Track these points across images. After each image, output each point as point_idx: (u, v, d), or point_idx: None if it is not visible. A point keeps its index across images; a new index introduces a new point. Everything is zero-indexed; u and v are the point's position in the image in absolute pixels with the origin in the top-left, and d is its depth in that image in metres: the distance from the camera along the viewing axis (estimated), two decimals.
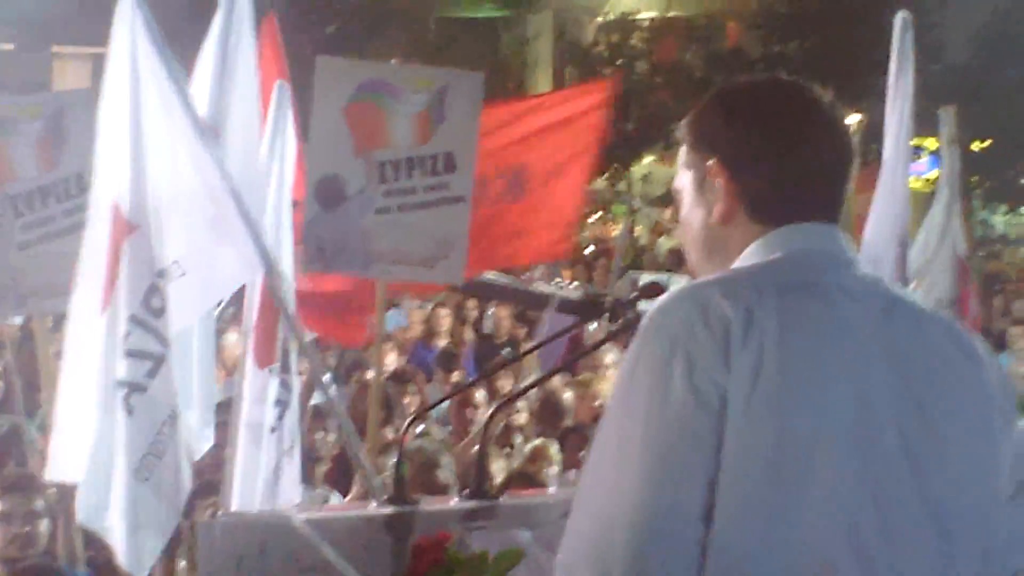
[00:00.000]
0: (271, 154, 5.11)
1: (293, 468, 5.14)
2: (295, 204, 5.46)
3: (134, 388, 4.29)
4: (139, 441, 4.32)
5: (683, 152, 2.45)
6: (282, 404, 5.11)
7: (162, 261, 4.48)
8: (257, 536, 2.84)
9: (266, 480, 4.98)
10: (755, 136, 2.31)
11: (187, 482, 4.52)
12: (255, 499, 4.91)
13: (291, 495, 5.12)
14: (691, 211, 2.39)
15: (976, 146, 20.41)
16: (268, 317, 4.93)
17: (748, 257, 2.30)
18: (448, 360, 9.28)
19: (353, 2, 20.74)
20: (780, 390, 2.08)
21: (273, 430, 5.02)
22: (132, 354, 4.32)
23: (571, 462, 6.27)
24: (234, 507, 4.91)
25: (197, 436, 5.14)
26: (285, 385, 5.08)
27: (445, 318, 10.58)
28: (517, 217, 7.09)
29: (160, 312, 4.37)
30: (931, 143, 13.58)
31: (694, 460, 2.08)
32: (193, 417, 5.13)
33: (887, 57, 5.59)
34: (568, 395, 7.44)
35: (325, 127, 5.46)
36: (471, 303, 11.57)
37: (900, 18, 5.66)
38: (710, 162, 2.28)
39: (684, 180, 2.40)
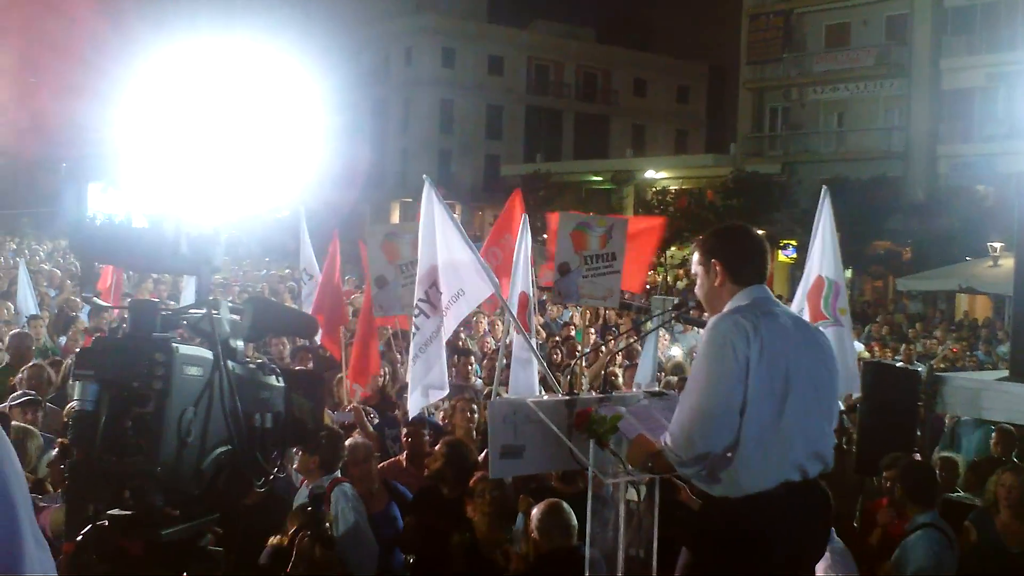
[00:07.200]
0: (518, 251, 10.32)
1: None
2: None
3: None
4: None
5: (696, 256, 4.57)
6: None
7: (453, 289, 8.76)
8: (512, 408, 5.35)
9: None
10: (734, 249, 4.47)
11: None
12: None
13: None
14: (703, 282, 4.50)
15: None
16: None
17: (734, 302, 4.35)
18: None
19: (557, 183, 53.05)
20: (769, 358, 4.11)
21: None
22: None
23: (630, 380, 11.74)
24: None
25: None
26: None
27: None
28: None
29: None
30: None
31: (736, 386, 4.09)
32: None
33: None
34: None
35: (564, 240, 11.66)
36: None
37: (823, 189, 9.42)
38: (714, 260, 4.43)
39: (699, 269, 4.53)
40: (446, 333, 8.75)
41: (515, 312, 9.43)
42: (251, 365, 2.70)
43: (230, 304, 2.79)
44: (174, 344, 2.43)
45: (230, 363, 2.58)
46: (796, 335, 4.29)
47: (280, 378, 2.78)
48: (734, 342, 4.10)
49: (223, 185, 2.78)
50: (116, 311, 12.37)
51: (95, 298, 2.84)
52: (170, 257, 2.52)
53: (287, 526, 6.12)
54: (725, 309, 4.33)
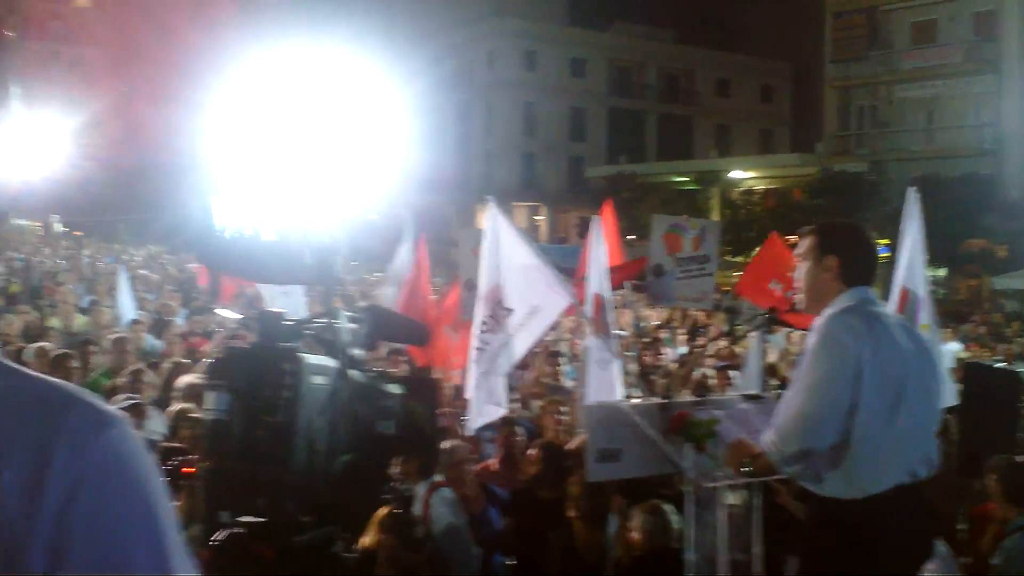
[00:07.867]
0: (591, 253, 9.60)
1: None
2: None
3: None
4: None
5: (807, 245, 4.47)
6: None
7: (526, 306, 8.48)
8: (608, 411, 5.62)
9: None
10: (851, 247, 4.42)
11: None
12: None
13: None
14: (810, 276, 4.43)
15: None
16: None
17: (839, 302, 4.31)
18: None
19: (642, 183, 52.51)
20: (882, 357, 4.08)
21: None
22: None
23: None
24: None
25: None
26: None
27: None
28: None
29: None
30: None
31: (845, 386, 4.04)
32: None
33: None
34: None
35: (657, 242, 11.59)
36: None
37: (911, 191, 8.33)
38: (829, 255, 4.37)
39: (807, 262, 4.47)
40: (521, 351, 8.57)
41: (591, 315, 9.25)
42: (372, 373, 2.75)
43: (349, 313, 2.84)
44: (300, 354, 2.48)
45: (353, 372, 2.63)
46: (903, 336, 4.25)
47: (399, 385, 2.82)
48: (846, 342, 4.07)
49: (332, 194, 2.84)
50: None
51: (222, 309, 2.91)
52: (298, 269, 2.58)
53: (375, 528, 6.05)
54: (832, 308, 4.28)
